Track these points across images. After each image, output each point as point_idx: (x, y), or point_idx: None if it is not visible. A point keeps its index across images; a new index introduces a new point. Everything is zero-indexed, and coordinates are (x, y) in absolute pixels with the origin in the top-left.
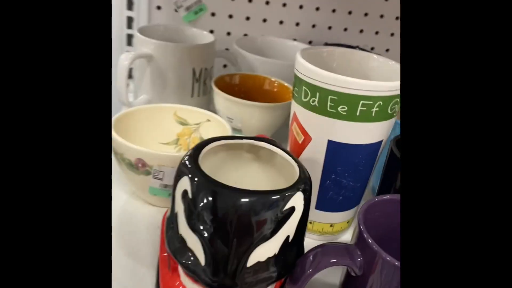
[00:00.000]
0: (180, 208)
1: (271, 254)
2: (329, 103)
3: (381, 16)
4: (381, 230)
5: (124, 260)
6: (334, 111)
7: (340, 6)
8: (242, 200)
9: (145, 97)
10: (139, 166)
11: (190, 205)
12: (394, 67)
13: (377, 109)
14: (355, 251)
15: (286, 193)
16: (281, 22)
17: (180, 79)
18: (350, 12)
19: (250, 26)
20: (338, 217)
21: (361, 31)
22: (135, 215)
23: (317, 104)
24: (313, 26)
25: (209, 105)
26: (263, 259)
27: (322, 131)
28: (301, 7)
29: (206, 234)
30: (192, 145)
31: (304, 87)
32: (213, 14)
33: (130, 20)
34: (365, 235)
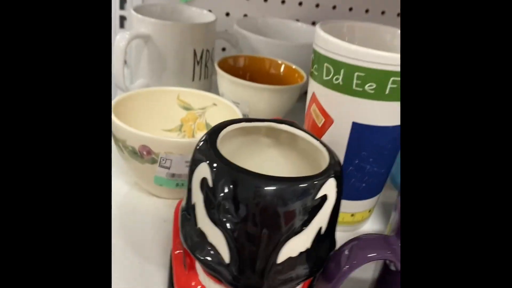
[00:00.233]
0: (198, 198)
1: (303, 249)
2: (355, 81)
3: None
4: None
5: (130, 258)
6: (361, 89)
7: None
8: (272, 188)
9: (142, 81)
10: (143, 154)
11: (211, 195)
12: None
13: None
14: (396, 242)
15: (317, 180)
16: (283, 2)
17: (180, 61)
18: None
19: (250, 6)
20: (360, 206)
21: (367, 11)
22: (138, 208)
23: (341, 82)
24: (317, 5)
25: (210, 90)
26: (294, 254)
27: (346, 112)
28: None
29: (230, 227)
30: (198, 131)
31: (326, 64)
32: None
33: (122, 1)
34: None
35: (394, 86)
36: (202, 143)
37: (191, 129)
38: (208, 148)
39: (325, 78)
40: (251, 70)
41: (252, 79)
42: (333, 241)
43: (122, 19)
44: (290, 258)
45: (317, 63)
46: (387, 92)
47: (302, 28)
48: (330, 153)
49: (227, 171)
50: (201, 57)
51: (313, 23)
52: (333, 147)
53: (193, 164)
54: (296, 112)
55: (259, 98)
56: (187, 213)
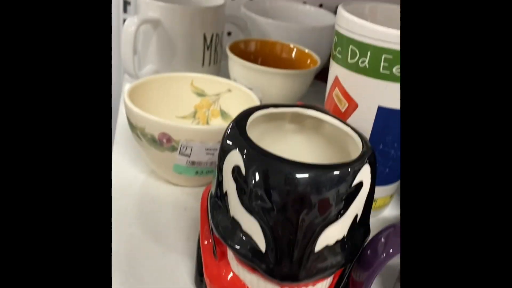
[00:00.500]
0: (231, 187)
1: (340, 237)
2: (382, 63)
3: None
4: None
5: (152, 247)
6: (388, 72)
7: None
8: (310, 175)
9: (151, 67)
10: (163, 142)
11: (243, 183)
12: None
13: None
14: None
15: (354, 166)
16: None
17: (190, 46)
18: None
19: None
20: (382, 191)
21: None
22: (156, 197)
23: (367, 65)
24: None
25: (219, 75)
26: (332, 242)
27: (372, 96)
28: None
29: (266, 216)
30: (212, 118)
31: (351, 46)
32: None
33: None
34: None
35: None
36: (229, 130)
37: (205, 115)
38: (238, 135)
39: (349, 61)
40: (262, 55)
41: (264, 63)
42: (367, 228)
43: (126, 4)
44: (327, 247)
45: (341, 45)
46: None
47: (310, 11)
48: (362, 138)
49: (262, 159)
50: (211, 41)
51: (321, 5)
52: None
53: (223, 152)
54: (309, 96)
55: (272, 83)
56: (218, 201)
